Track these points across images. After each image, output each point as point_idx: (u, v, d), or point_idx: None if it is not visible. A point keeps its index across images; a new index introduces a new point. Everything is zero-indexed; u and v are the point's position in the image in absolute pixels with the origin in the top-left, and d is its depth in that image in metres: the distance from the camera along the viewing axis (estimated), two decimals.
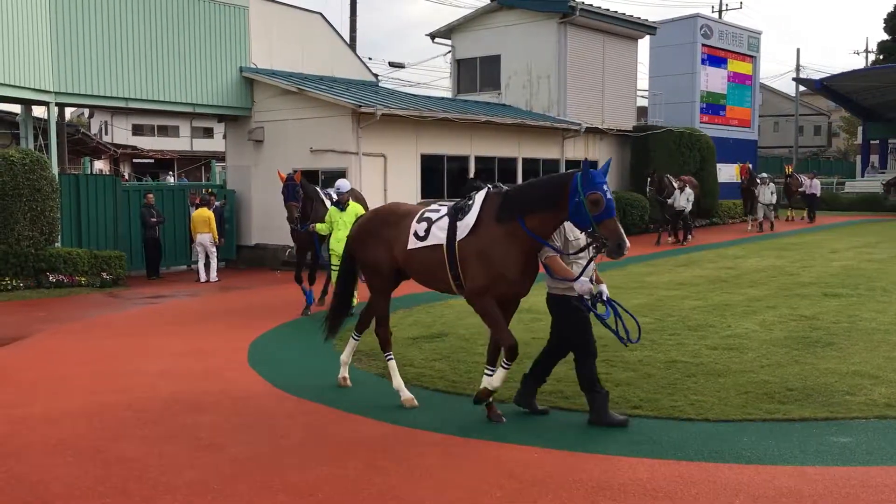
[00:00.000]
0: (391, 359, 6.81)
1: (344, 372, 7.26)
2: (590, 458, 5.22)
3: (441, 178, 19.65)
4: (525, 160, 22.12)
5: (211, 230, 15.81)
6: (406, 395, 6.59)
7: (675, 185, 20.98)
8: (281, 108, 18.40)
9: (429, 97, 23.74)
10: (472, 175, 13.50)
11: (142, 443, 5.69)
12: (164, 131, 49.09)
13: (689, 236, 21.53)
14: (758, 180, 24.55)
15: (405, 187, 18.26)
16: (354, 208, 10.80)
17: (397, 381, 6.70)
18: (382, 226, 6.70)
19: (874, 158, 40.06)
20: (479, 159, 20.71)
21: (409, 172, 18.59)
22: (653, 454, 5.27)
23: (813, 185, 28.20)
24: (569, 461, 5.18)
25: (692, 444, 5.41)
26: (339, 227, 10.62)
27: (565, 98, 23.72)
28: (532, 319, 9.41)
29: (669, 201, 20.78)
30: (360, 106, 16.97)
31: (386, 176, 17.93)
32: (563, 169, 23.20)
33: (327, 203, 11.80)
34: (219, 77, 18.32)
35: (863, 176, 38.90)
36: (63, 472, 5.12)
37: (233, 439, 5.73)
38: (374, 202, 17.87)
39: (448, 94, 26.73)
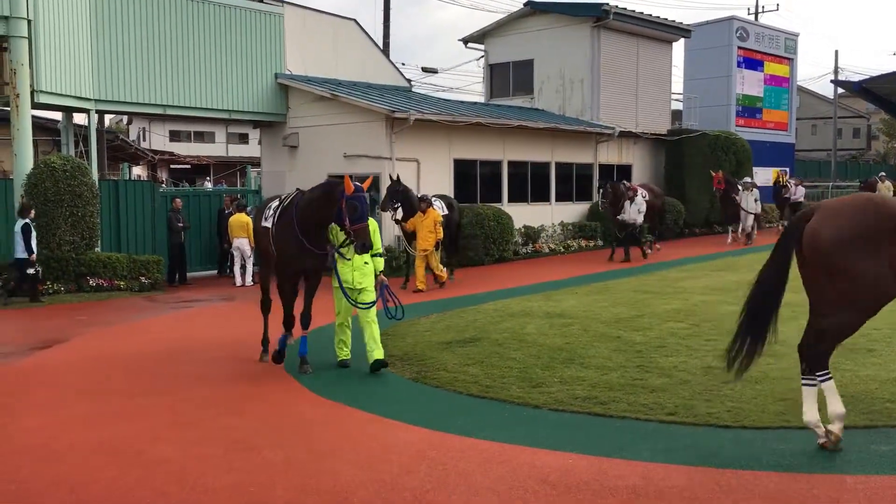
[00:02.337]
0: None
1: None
2: (625, 464, 5.19)
3: (474, 182, 19.68)
4: (558, 164, 22.07)
5: (248, 235, 15.98)
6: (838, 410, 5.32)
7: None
8: (315, 114, 18.57)
9: (461, 102, 23.80)
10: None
11: (180, 445, 5.77)
12: (200, 137, 49.75)
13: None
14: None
15: (438, 192, 18.29)
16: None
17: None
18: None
19: None
20: (511, 164, 20.71)
21: (442, 177, 18.64)
22: (689, 461, 5.22)
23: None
24: (604, 467, 5.15)
25: (729, 451, 5.35)
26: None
27: (598, 102, 23.62)
28: (563, 324, 9.38)
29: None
30: (394, 111, 17.05)
31: (419, 181, 17.99)
32: (596, 174, 23.10)
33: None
34: (254, 84, 18.55)
35: None
36: (103, 473, 5.21)
37: (269, 442, 5.79)
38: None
39: (481, 99, 26.76)
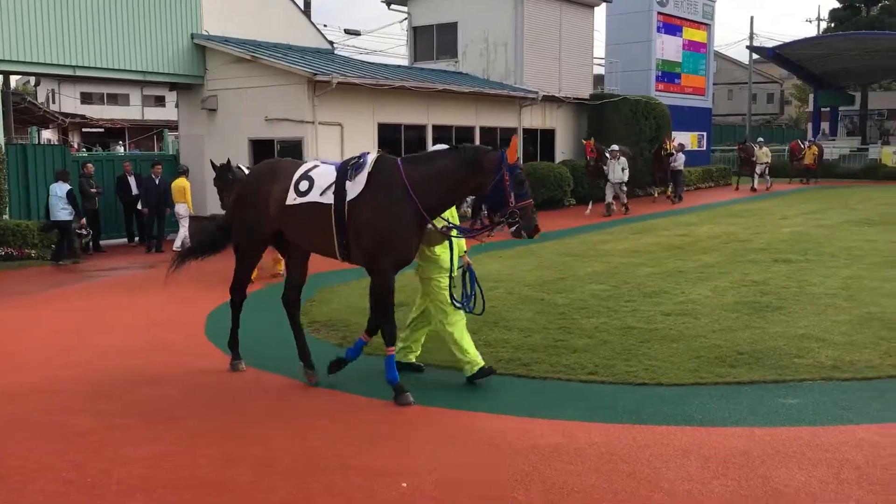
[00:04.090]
0: None
1: None
2: (548, 423, 5.32)
3: (399, 147, 19.58)
4: (483, 129, 22.11)
5: (186, 200, 15.49)
6: None
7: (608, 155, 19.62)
8: (235, 76, 18.08)
9: (385, 65, 23.53)
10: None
11: (99, 417, 5.65)
12: (113, 100, 47.95)
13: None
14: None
15: None
16: None
17: None
18: None
19: (825, 126, 40.79)
20: (436, 128, 20.64)
21: (366, 141, 18.45)
22: (609, 419, 5.39)
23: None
24: (527, 427, 5.27)
25: (646, 408, 5.54)
26: None
27: (522, 66, 23.69)
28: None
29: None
30: (316, 74, 16.75)
31: (343, 145, 17.79)
32: (520, 136, 23.24)
33: None
34: (170, 44, 17.91)
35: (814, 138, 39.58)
36: (20, 446, 5.07)
37: (192, 412, 5.71)
38: None
39: (405, 63, 26.51)
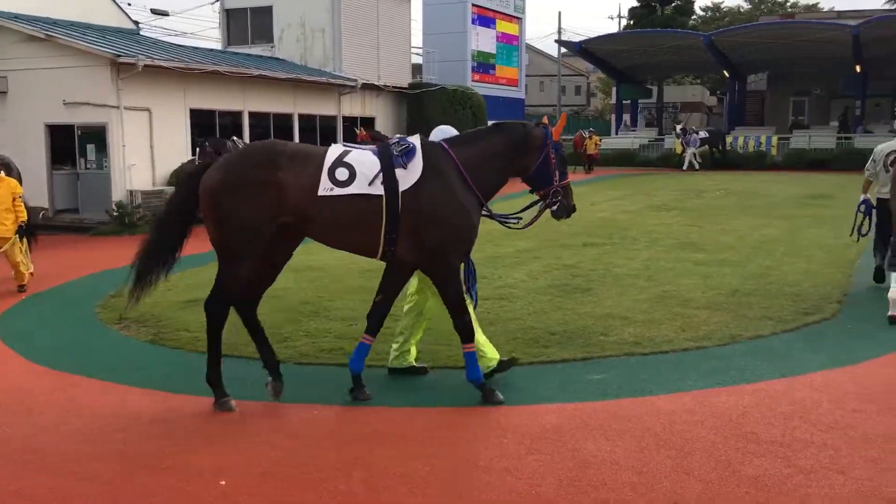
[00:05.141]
0: None
1: None
2: (371, 411, 5.32)
3: (214, 134, 18.87)
4: (301, 116, 21.76)
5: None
6: None
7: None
8: (28, 57, 16.66)
9: (196, 48, 22.61)
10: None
11: None
12: None
13: None
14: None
15: (173, 144, 17.35)
16: None
17: None
18: None
19: (626, 117, 43.54)
20: (253, 115, 20.10)
21: (177, 128, 17.65)
22: (431, 402, 5.48)
23: None
24: (350, 415, 5.26)
25: (466, 391, 5.67)
26: None
27: (340, 53, 23.55)
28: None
29: None
30: (119, 56, 15.80)
31: (152, 132, 16.90)
32: (340, 126, 23.09)
33: None
34: None
35: (616, 133, 42.19)
36: None
37: None
38: (141, 159, 16.87)
39: (218, 46, 25.57)
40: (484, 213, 5.59)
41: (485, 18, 31.39)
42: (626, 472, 4.30)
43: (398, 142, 5.39)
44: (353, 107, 23.91)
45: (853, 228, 9.12)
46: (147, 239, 5.46)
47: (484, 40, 31.40)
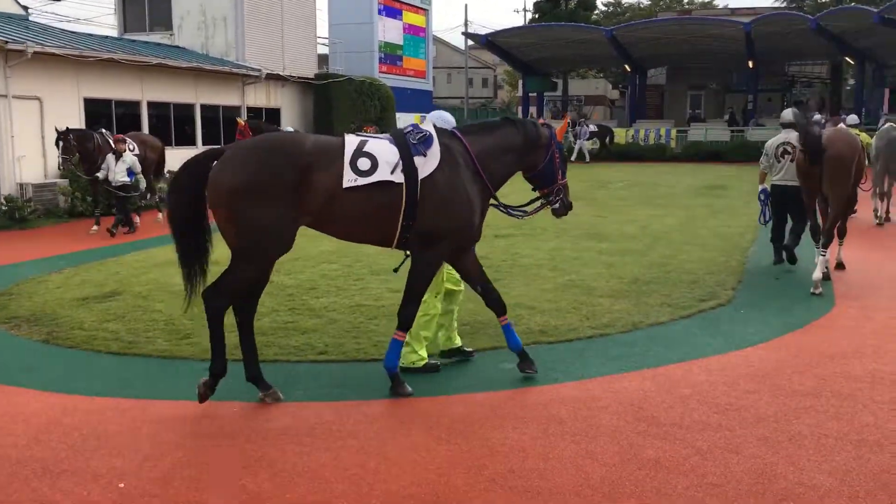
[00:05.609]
0: None
1: None
2: (276, 407, 5.24)
3: (110, 124, 18.18)
4: (204, 107, 21.20)
5: None
6: None
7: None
8: None
9: (91, 35, 21.71)
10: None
11: None
12: None
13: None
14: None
15: None
16: None
17: None
18: None
19: (533, 110, 44.18)
20: (152, 104, 19.47)
21: (71, 119, 16.90)
22: (340, 396, 5.42)
23: None
24: (254, 411, 5.15)
25: (375, 384, 5.64)
26: None
27: (244, 43, 23.03)
28: None
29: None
30: (7, 42, 15.01)
31: (43, 122, 16.15)
32: (245, 117, 22.59)
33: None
34: None
35: None
36: None
37: None
38: (32, 150, 16.10)
39: (114, 33, 24.61)
40: (492, 203, 5.74)
41: (391, 9, 31.25)
42: (533, 458, 4.37)
43: (413, 130, 5.38)
44: (257, 97, 23.44)
45: (760, 216, 10.19)
46: (176, 247, 5.25)
47: (391, 31, 31.27)
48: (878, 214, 13.71)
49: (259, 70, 22.57)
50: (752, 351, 6.42)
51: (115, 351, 6.57)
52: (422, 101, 33.42)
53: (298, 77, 25.03)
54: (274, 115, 24.30)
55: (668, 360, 6.12)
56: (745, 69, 37.41)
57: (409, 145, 5.26)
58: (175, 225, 5.10)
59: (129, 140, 14.35)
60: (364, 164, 5.11)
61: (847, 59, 37.00)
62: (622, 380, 5.69)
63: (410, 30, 32.79)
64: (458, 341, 6.26)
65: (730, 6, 53.79)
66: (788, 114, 9.86)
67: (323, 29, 30.14)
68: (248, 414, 5.13)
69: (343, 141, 5.21)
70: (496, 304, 5.82)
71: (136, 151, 14.42)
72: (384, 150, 5.21)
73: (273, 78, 23.66)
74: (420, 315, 5.82)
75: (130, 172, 13.49)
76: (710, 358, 6.21)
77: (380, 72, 30.05)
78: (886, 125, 14.21)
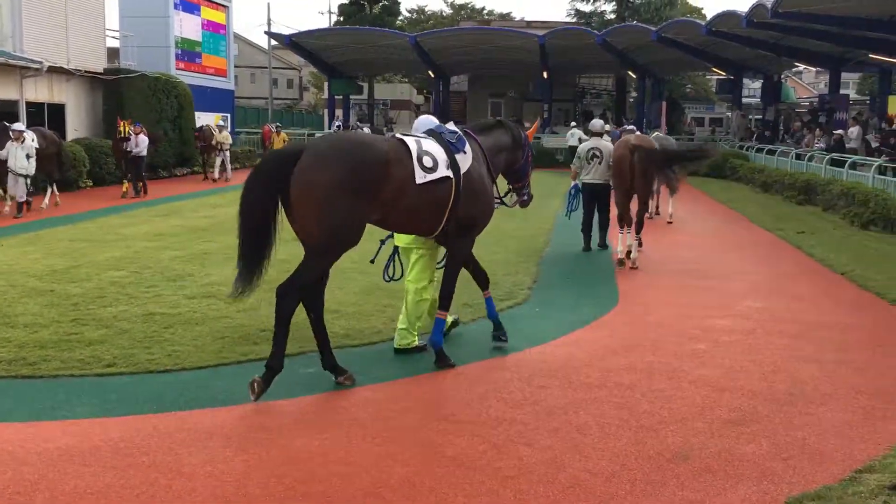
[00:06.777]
0: None
1: None
2: (58, 425, 4.85)
3: None
4: None
5: None
6: None
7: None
8: None
9: None
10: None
11: None
12: None
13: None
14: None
15: None
16: None
17: None
18: None
19: (339, 113, 44.01)
20: None
21: None
22: (129, 411, 5.11)
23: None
24: (32, 431, 4.74)
25: (169, 395, 5.39)
26: None
27: (22, 32, 21.15)
28: None
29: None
30: None
31: None
32: (23, 112, 20.79)
33: None
34: None
35: (331, 129, 42.49)
36: None
37: None
38: None
39: None
40: None
41: (189, 4, 29.93)
42: (334, 463, 4.34)
43: (446, 131, 6.03)
44: (38, 92, 21.64)
45: (566, 210, 11.98)
46: (241, 240, 5.34)
47: (188, 27, 29.94)
48: (649, 210, 15.18)
49: (40, 62, 20.83)
50: (545, 347, 6.76)
51: None
52: (223, 100, 32.31)
53: (86, 71, 23.37)
54: (58, 110, 22.54)
55: (468, 360, 6.30)
56: (541, 79, 39.41)
57: (449, 143, 5.90)
58: (248, 222, 5.26)
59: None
60: (428, 161, 5.65)
61: (630, 73, 40.02)
62: (421, 381, 5.79)
63: (210, 26, 31.59)
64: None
65: (526, 19, 56.41)
66: (598, 124, 11.94)
67: (114, 21, 28.34)
68: (23, 436, 4.70)
69: (402, 139, 5.70)
70: (482, 279, 6.73)
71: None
72: (436, 149, 5.80)
73: (57, 71, 21.93)
74: (418, 301, 6.39)
75: None
76: (508, 356, 6.48)
77: (177, 68, 28.67)
78: (655, 134, 16.35)
